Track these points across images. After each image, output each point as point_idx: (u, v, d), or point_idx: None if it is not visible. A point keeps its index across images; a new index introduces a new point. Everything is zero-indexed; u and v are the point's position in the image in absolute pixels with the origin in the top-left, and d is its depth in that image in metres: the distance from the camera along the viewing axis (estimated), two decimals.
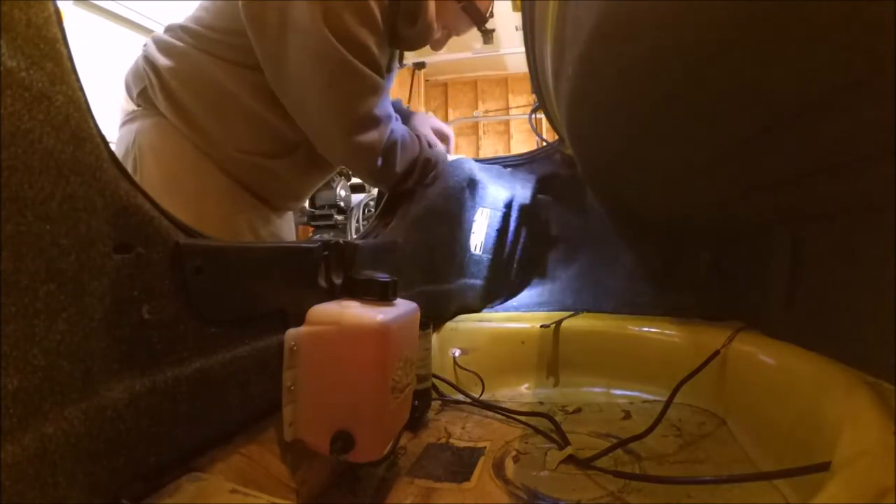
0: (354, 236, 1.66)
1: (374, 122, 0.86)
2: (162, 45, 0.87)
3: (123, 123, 0.92)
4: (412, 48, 0.96)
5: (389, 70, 0.97)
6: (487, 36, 1.05)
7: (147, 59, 0.87)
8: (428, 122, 1.13)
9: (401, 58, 1.04)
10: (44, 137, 0.29)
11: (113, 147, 0.95)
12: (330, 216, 2.79)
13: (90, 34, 1.89)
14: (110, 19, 1.99)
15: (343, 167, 1.22)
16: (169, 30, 0.90)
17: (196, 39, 0.86)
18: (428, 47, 1.01)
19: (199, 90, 0.85)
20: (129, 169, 0.86)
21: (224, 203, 0.91)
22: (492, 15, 1.02)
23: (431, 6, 0.88)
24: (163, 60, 0.85)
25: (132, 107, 0.91)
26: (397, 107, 1.13)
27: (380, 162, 0.89)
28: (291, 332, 0.52)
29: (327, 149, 0.89)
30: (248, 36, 0.79)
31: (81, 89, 0.33)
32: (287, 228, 1.14)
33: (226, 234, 0.89)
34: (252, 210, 0.96)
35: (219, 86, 0.85)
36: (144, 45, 0.90)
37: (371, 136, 0.85)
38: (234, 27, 0.81)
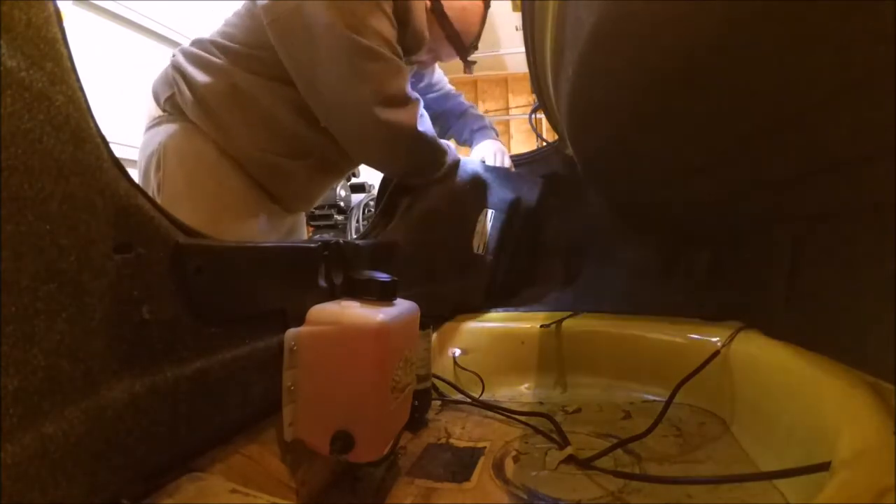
0: (354, 236, 1.66)
1: (404, 100, 0.91)
2: (192, 57, 0.93)
3: (149, 128, 0.97)
4: (405, 54, 0.99)
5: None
6: (468, 67, 1.11)
7: (177, 68, 0.93)
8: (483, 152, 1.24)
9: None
10: (44, 137, 0.29)
11: (130, 151, 0.99)
12: (330, 216, 2.79)
13: (90, 34, 1.89)
14: (110, 19, 1.98)
15: (353, 168, 1.27)
16: (197, 43, 0.96)
17: (224, 52, 0.92)
18: None
19: (226, 97, 0.91)
20: (153, 170, 0.93)
21: (240, 201, 0.96)
22: (475, 48, 1.08)
23: (420, 15, 0.93)
24: (192, 69, 0.92)
25: (158, 112, 0.96)
26: (459, 120, 1.29)
27: (408, 147, 0.94)
28: (291, 332, 0.52)
29: (360, 129, 0.92)
30: (274, 49, 0.86)
31: (81, 89, 0.33)
32: (300, 227, 1.18)
33: (241, 229, 0.95)
34: (267, 208, 1.02)
35: (244, 94, 0.91)
36: (173, 56, 0.96)
37: (401, 115, 0.90)
38: (260, 42, 0.88)
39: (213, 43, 0.93)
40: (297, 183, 1.02)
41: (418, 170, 0.99)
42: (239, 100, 0.91)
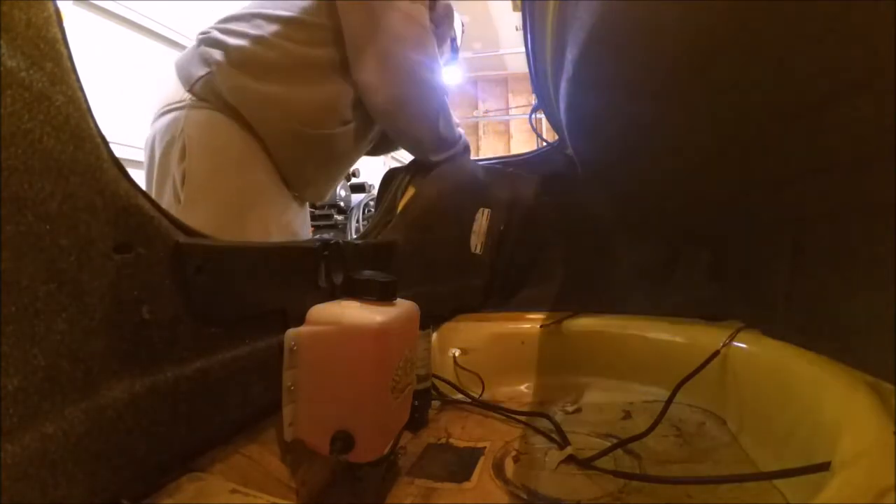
0: (354, 236, 1.66)
1: (438, 66, 1.01)
2: (231, 32, 0.92)
3: (170, 110, 0.92)
4: None
5: None
6: None
7: (214, 43, 0.90)
8: None
9: None
10: (44, 137, 0.29)
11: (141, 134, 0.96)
12: (330, 216, 2.78)
13: (90, 34, 1.89)
14: (110, 19, 1.98)
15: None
16: (234, 19, 0.94)
17: (269, 21, 0.92)
18: None
19: (274, 67, 0.91)
20: (175, 158, 0.90)
21: (264, 196, 0.96)
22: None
23: (450, 23, 1.12)
24: (235, 41, 0.90)
25: (182, 95, 0.92)
26: None
27: (442, 105, 1.04)
28: (291, 332, 0.52)
29: (411, 88, 0.98)
30: (321, 16, 0.92)
31: (81, 89, 0.33)
32: (307, 220, 1.21)
33: (260, 226, 0.95)
34: (287, 201, 1.03)
35: (293, 64, 0.92)
36: (206, 34, 0.93)
37: (439, 75, 1.01)
38: (308, 8, 0.92)
39: (256, 15, 0.93)
40: (330, 156, 1.04)
41: (445, 132, 1.06)
42: (287, 70, 0.92)
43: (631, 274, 1.16)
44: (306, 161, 1.01)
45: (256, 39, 0.90)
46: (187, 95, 0.91)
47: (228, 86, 0.89)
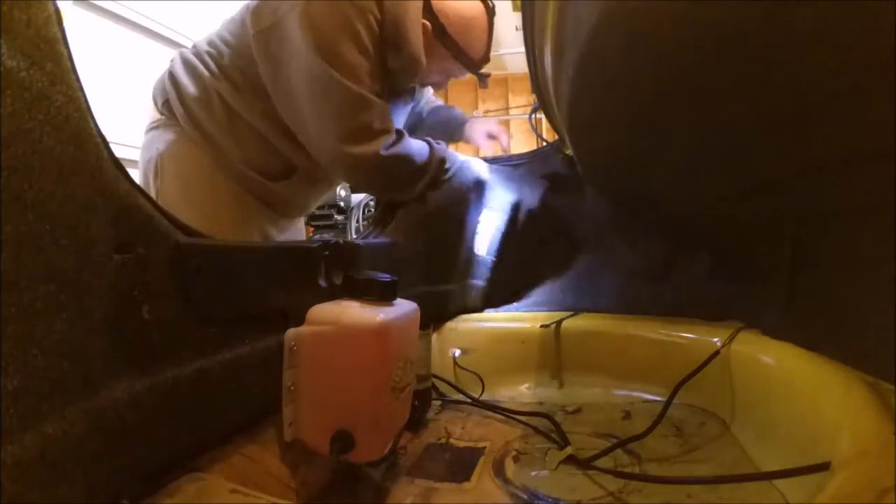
0: (354, 236, 1.66)
1: (369, 134, 0.88)
2: (187, 65, 0.94)
3: (149, 130, 0.98)
4: (403, 82, 0.99)
5: (405, 98, 1.06)
6: (483, 81, 1.07)
7: (171, 76, 0.94)
8: (478, 125, 1.24)
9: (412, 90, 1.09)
10: (44, 137, 0.29)
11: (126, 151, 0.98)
12: (330, 216, 2.78)
13: (90, 34, 1.89)
14: (110, 19, 1.98)
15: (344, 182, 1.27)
16: (194, 50, 0.96)
17: (215, 62, 0.93)
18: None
19: (214, 113, 0.92)
20: (152, 176, 0.95)
21: (235, 208, 0.97)
22: (487, 60, 1.04)
23: (415, 39, 0.90)
24: (185, 80, 0.93)
25: (157, 115, 0.97)
26: (451, 114, 1.26)
27: (381, 175, 0.93)
28: (291, 332, 0.52)
29: (324, 159, 0.93)
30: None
31: (81, 89, 0.33)
32: (297, 230, 1.20)
33: (236, 235, 0.96)
34: (261, 214, 1.03)
35: (230, 111, 0.92)
36: (171, 61, 0.97)
37: (363, 148, 0.88)
38: (248, 53, 0.88)
39: (207, 52, 0.94)
40: (286, 199, 1.03)
41: (390, 193, 1.00)
42: (225, 116, 0.92)
43: (631, 274, 1.16)
44: (268, 195, 1.00)
45: (203, 81, 0.91)
46: (158, 116, 0.96)
47: (182, 121, 0.92)
